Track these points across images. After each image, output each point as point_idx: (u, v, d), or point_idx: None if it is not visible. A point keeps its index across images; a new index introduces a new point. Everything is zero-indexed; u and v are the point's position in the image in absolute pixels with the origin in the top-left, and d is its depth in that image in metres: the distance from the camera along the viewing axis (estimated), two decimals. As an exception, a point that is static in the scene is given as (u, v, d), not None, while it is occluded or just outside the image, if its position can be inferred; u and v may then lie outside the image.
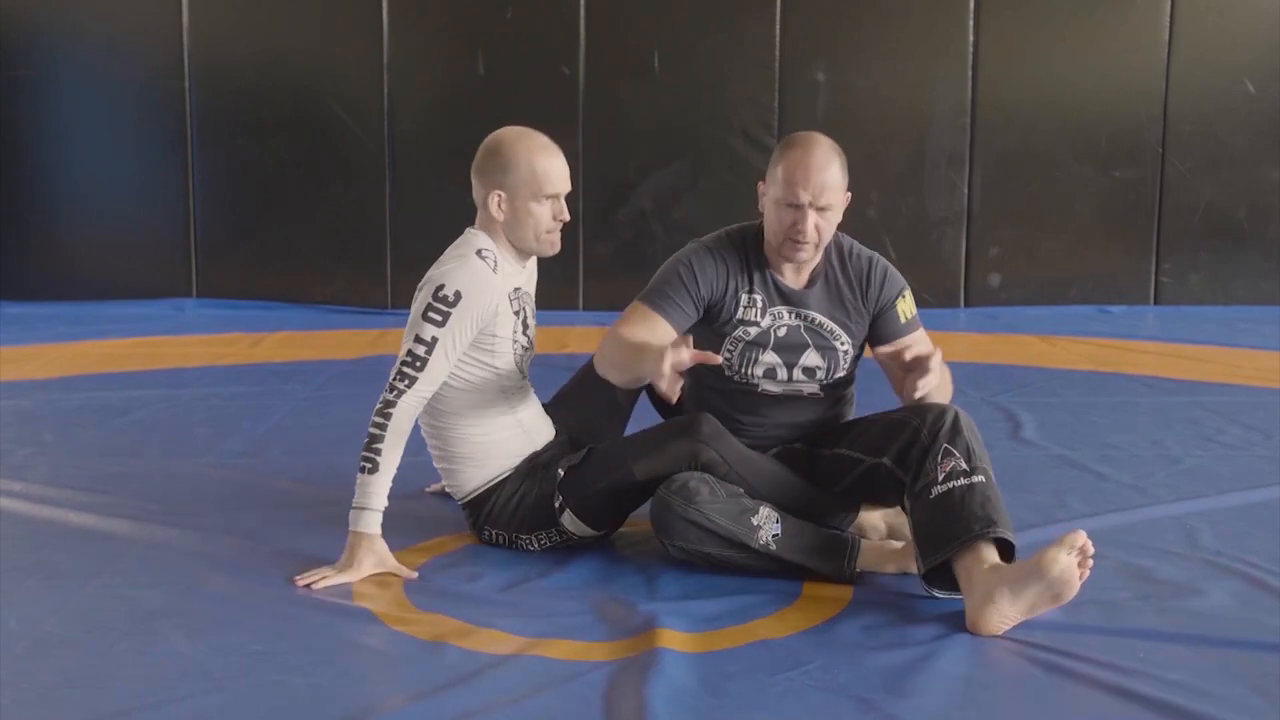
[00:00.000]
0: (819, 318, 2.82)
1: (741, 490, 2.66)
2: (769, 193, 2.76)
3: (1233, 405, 4.43)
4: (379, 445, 2.64)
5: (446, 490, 2.99)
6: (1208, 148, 7.09)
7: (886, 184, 7.12)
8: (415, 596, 2.54)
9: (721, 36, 6.98)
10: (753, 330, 2.81)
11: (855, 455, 2.75)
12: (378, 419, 2.66)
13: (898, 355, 2.67)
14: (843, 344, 2.84)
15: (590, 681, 2.12)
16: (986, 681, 2.15)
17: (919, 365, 2.59)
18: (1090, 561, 2.35)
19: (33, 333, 6.15)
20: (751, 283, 2.81)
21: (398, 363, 2.69)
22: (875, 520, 2.84)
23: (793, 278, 2.82)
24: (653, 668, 2.15)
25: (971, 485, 2.49)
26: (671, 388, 2.45)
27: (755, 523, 2.61)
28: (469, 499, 2.86)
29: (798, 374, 2.83)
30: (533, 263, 2.96)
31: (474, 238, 2.81)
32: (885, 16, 7.09)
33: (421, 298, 2.72)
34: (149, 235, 7.28)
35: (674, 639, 2.28)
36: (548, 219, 2.79)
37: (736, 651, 2.27)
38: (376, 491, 2.64)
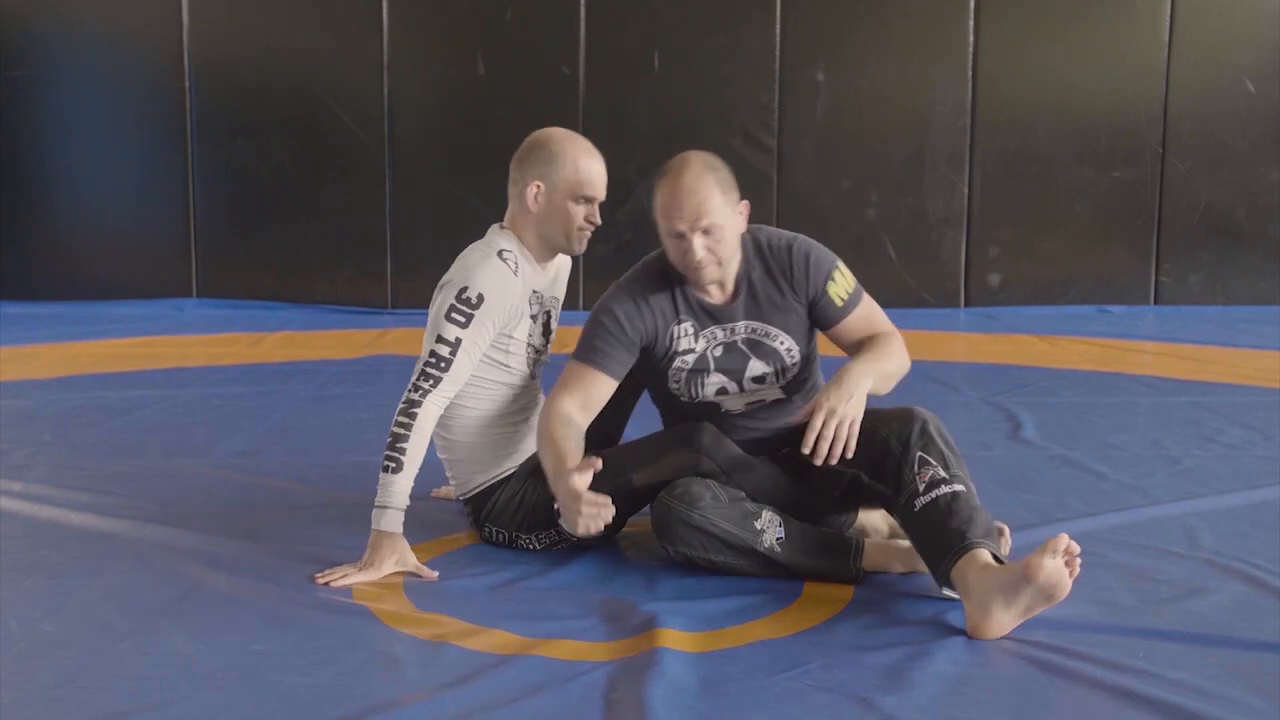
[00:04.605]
0: (752, 325, 2.75)
1: (743, 494, 2.66)
2: (659, 225, 2.67)
3: (1233, 405, 4.43)
4: (403, 444, 2.64)
5: (450, 484, 2.99)
6: (1208, 148, 7.10)
7: (886, 184, 7.13)
8: (415, 596, 2.54)
9: (721, 37, 6.99)
10: (690, 358, 2.74)
11: (836, 466, 2.70)
12: (402, 419, 2.65)
13: (844, 337, 2.76)
14: (783, 343, 2.77)
15: (590, 681, 2.12)
16: (986, 681, 2.15)
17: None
18: (1078, 560, 2.34)
19: (33, 333, 6.15)
20: (678, 312, 2.73)
21: (420, 363, 2.69)
22: (877, 521, 2.83)
23: (717, 294, 2.75)
24: (653, 668, 2.14)
25: (955, 494, 2.47)
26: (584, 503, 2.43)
27: (759, 526, 2.60)
28: (471, 495, 2.86)
29: (749, 384, 2.77)
30: (562, 271, 2.97)
31: (497, 238, 2.82)
32: (885, 16, 7.09)
33: (443, 298, 2.72)
34: (149, 235, 7.29)
35: (674, 639, 2.28)
36: (580, 219, 2.82)
37: (736, 651, 2.27)
38: (399, 490, 2.64)
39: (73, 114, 7.15)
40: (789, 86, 7.01)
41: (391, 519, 2.64)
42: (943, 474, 2.49)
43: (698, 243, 2.59)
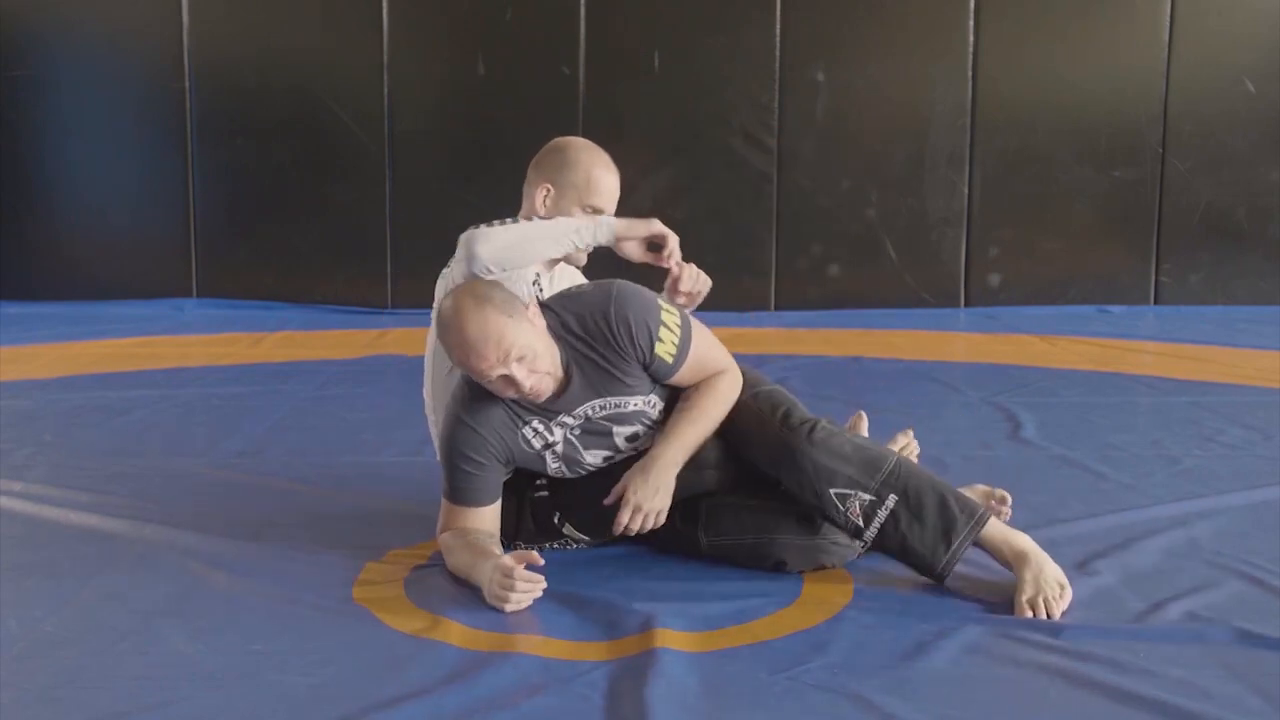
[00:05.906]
0: (595, 404, 2.61)
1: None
2: (469, 373, 2.55)
3: (1233, 405, 4.43)
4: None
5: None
6: (1208, 148, 7.09)
7: (886, 184, 7.12)
8: (415, 596, 2.54)
9: (721, 37, 6.98)
10: (558, 446, 2.64)
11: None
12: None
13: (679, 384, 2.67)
14: (637, 403, 2.64)
15: (590, 681, 2.12)
16: (986, 681, 2.15)
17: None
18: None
19: (33, 333, 6.15)
20: (520, 418, 2.60)
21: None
22: None
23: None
24: (653, 668, 2.15)
25: (893, 515, 2.51)
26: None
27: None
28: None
29: (623, 444, 2.68)
30: (563, 278, 2.91)
31: None
32: (885, 16, 7.08)
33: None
34: (149, 235, 7.28)
35: (674, 639, 2.28)
36: None
37: (736, 651, 2.27)
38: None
39: (73, 114, 7.14)
40: (789, 86, 7.00)
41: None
42: (867, 497, 2.52)
43: (520, 373, 2.45)
